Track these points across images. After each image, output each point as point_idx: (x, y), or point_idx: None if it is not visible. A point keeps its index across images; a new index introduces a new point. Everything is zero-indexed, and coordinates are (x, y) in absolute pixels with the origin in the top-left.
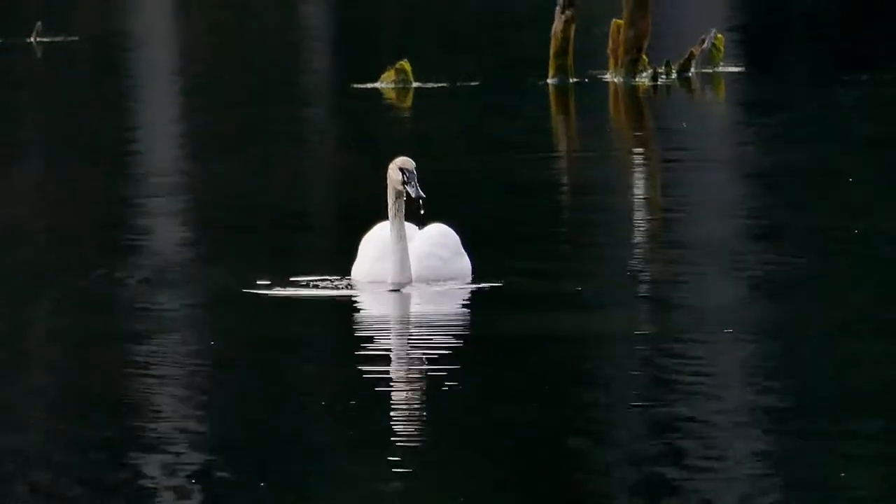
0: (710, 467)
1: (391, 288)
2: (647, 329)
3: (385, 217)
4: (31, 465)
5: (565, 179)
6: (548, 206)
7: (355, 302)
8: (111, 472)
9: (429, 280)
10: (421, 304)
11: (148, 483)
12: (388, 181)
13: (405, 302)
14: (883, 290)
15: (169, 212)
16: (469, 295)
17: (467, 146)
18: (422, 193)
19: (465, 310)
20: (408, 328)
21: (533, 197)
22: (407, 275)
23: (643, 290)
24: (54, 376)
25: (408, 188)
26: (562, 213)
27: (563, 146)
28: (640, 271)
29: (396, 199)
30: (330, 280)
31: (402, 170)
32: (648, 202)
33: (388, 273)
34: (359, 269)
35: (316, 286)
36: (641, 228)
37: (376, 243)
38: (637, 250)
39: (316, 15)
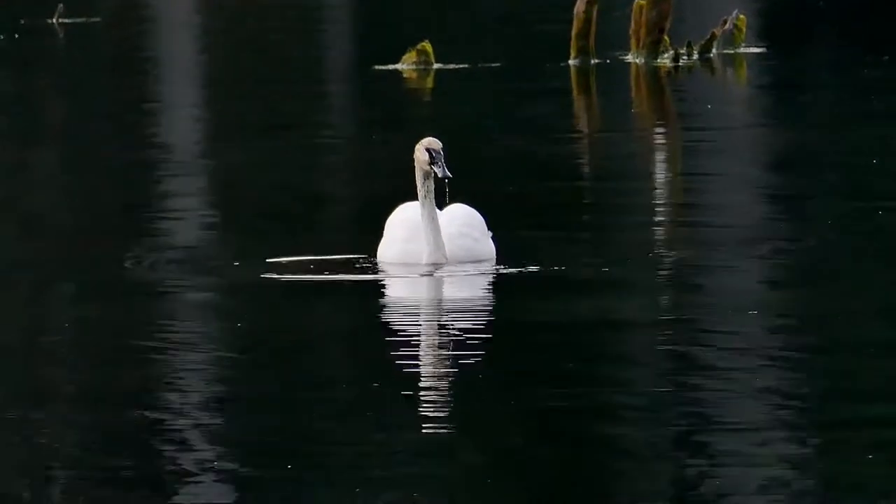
0: (738, 451)
1: (427, 268)
2: (672, 313)
3: (408, 198)
4: (49, 457)
5: (587, 161)
6: (570, 187)
7: (383, 285)
8: (130, 464)
9: (462, 260)
10: (446, 288)
11: (168, 475)
12: (416, 162)
13: (431, 285)
14: None
15: (190, 194)
16: (494, 277)
17: (488, 127)
18: (448, 174)
19: (489, 293)
20: (433, 312)
21: (555, 179)
22: (442, 253)
23: (667, 272)
24: (77, 365)
25: (434, 168)
26: (584, 194)
27: (584, 127)
28: (664, 253)
29: (425, 179)
30: (357, 261)
31: (428, 150)
32: (671, 183)
33: (423, 253)
34: (388, 250)
35: (345, 269)
36: (664, 210)
37: (405, 224)
38: (660, 232)
39: None
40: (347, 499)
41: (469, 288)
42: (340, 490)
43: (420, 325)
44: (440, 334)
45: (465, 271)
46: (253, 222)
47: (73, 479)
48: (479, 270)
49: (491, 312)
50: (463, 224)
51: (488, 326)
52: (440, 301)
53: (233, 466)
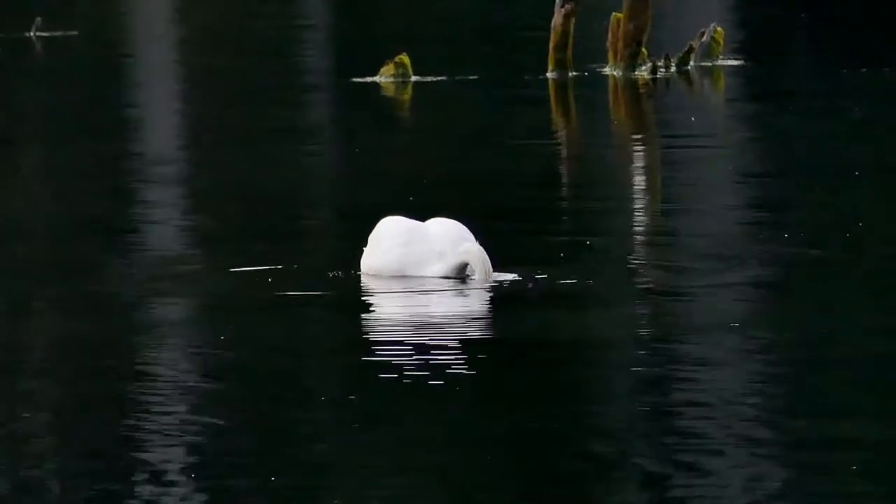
0: (717, 469)
1: (414, 280)
2: (652, 325)
3: (387, 210)
4: (30, 469)
5: (565, 173)
6: (547, 199)
7: (364, 302)
8: (104, 476)
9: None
10: (424, 301)
11: (144, 488)
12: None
13: (409, 299)
14: (887, 284)
15: (169, 205)
16: (476, 291)
17: (466, 140)
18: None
19: (471, 307)
20: (407, 326)
21: (533, 190)
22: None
23: (647, 284)
24: (55, 379)
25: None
26: (562, 206)
27: (562, 140)
28: (643, 265)
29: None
30: (336, 273)
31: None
32: (650, 195)
33: (434, 266)
34: (377, 260)
35: (326, 281)
36: (644, 222)
37: (393, 234)
38: (640, 244)
39: (315, 7)
40: None
41: (447, 302)
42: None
43: (393, 339)
44: (415, 349)
45: (449, 285)
46: (232, 232)
47: (47, 494)
48: (464, 284)
49: (470, 327)
50: (466, 238)
51: (467, 341)
52: (417, 315)
53: (211, 480)
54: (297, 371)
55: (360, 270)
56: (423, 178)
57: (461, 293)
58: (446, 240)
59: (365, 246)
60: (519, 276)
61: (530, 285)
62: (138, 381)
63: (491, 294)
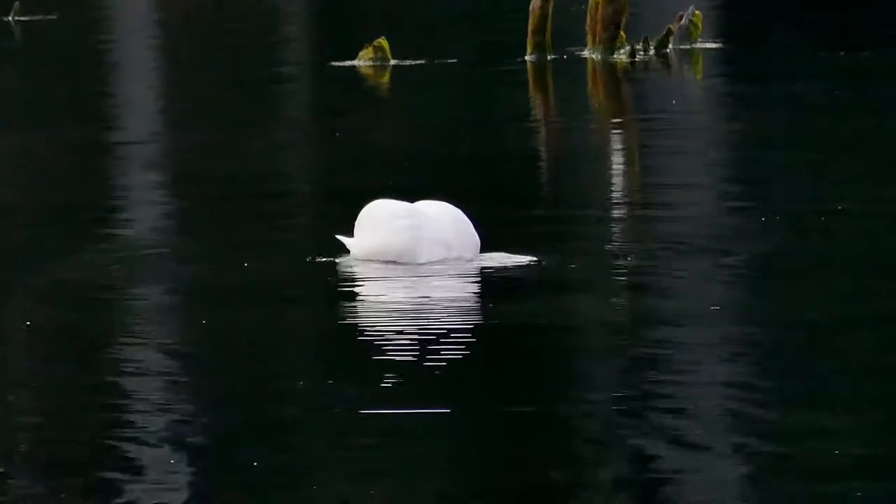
0: (698, 468)
1: (398, 266)
2: (633, 309)
3: (368, 194)
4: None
5: (544, 156)
6: (528, 182)
7: (344, 287)
8: (81, 465)
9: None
10: (408, 288)
11: (129, 480)
12: None
13: (393, 284)
14: (866, 269)
15: (146, 189)
16: (463, 274)
17: (444, 123)
18: None
19: (455, 291)
20: (387, 310)
21: (512, 174)
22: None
23: (628, 267)
24: (33, 369)
25: None
26: (542, 189)
27: (541, 122)
28: (624, 248)
29: None
30: (317, 257)
31: None
32: (629, 179)
33: (421, 251)
34: (368, 245)
35: (314, 266)
36: (624, 205)
37: (380, 219)
38: (620, 227)
39: None
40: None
41: (426, 287)
42: (303, 492)
43: (374, 325)
44: (398, 334)
45: (437, 269)
46: (212, 218)
47: (23, 478)
48: (452, 268)
49: (452, 312)
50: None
51: (447, 327)
52: (402, 301)
53: (192, 467)
54: (278, 357)
55: (341, 254)
56: (401, 161)
57: (446, 277)
58: (451, 228)
59: (352, 229)
60: (498, 260)
61: (534, 264)
62: (115, 370)
63: (476, 278)
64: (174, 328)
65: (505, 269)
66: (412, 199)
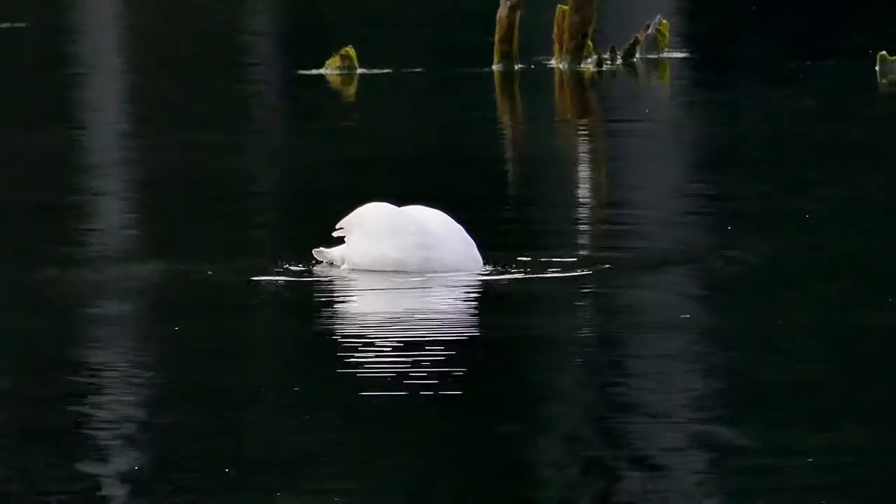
0: (670, 464)
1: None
2: (594, 324)
3: (337, 204)
4: None
5: (511, 165)
6: (494, 191)
7: (316, 293)
8: (51, 472)
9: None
10: (388, 298)
11: (100, 487)
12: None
13: (367, 297)
14: (832, 274)
15: (114, 193)
16: (441, 286)
17: (410, 132)
18: None
19: (423, 303)
20: (358, 321)
21: (478, 184)
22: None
23: (591, 281)
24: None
25: None
26: (508, 200)
27: (507, 132)
28: (593, 257)
29: None
30: (286, 263)
31: None
32: (596, 187)
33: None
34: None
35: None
36: (591, 213)
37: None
38: (585, 239)
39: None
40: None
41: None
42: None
43: (341, 334)
44: (366, 347)
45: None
46: (178, 223)
47: None
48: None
49: (418, 322)
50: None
51: (414, 338)
52: (370, 311)
53: (164, 473)
54: (253, 363)
55: (313, 260)
56: (368, 168)
57: (425, 288)
58: (455, 238)
59: (329, 237)
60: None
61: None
62: (82, 375)
63: (454, 290)
64: (139, 334)
65: (475, 280)
66: (396, 204)
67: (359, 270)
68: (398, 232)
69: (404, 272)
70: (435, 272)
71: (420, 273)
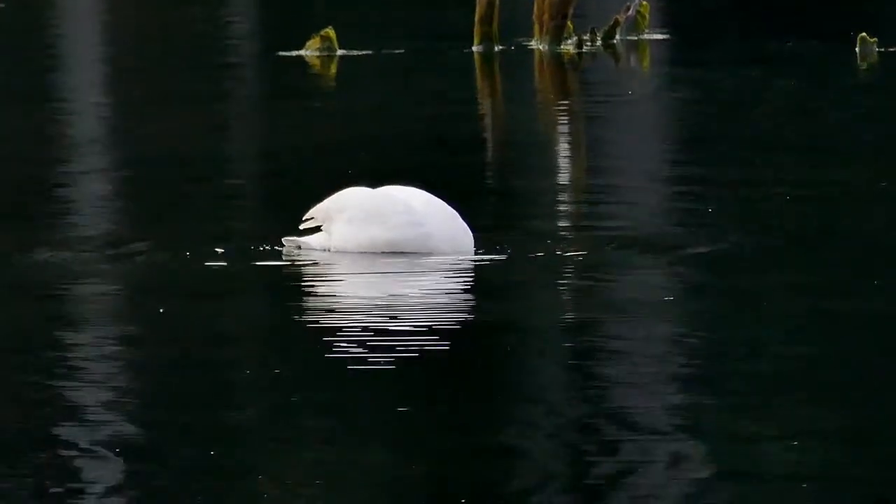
0: (644, 448)
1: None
2: (581, 304)
3: (321, 188)
4: None
5: (491, 148)
6: (474, 175)
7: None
8: (30, 467)
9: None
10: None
11: (83, 485)
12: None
13: (351, 283)
14: (812, 261)
15: (92, 176)
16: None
17: (390, 114)
18: None
19: (408, 288)
20: (334, 308)
21: (458, 167)
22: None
23: (576, 262)
24: None
25: None
26: (489, 181)
27: (488, 113)
28: (572, 242)
29: None
30: (263, 248)
31: None
32: (576, 171)
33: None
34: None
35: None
36: (571, 197)
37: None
38: (565, 224)
39: None
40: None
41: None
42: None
43: (324, 318)
44: (342, 332)
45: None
46: (160, 207)
47: None
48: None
49: (398, 309)
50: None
51: (392, 324)
52: (347, 296)
53: (148, 466)
54: (237, 352)
55: (288, 243)
56: (346, 149)
57: (409, 272)
58: (442, 213)
59: (302, 222)
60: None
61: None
62: (64, 356)
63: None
64: (125, 320)
65: (457, 264)
66: (371, 186)
67: (344, 253)
68: (385, 213)
69: (398, 252)
70: (428, 248)
71: (414, 251)
